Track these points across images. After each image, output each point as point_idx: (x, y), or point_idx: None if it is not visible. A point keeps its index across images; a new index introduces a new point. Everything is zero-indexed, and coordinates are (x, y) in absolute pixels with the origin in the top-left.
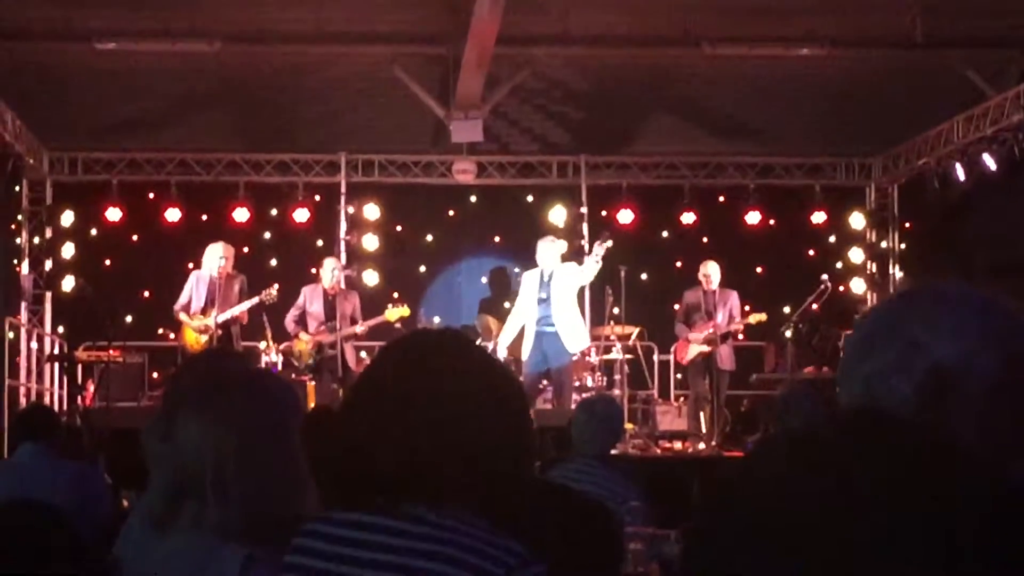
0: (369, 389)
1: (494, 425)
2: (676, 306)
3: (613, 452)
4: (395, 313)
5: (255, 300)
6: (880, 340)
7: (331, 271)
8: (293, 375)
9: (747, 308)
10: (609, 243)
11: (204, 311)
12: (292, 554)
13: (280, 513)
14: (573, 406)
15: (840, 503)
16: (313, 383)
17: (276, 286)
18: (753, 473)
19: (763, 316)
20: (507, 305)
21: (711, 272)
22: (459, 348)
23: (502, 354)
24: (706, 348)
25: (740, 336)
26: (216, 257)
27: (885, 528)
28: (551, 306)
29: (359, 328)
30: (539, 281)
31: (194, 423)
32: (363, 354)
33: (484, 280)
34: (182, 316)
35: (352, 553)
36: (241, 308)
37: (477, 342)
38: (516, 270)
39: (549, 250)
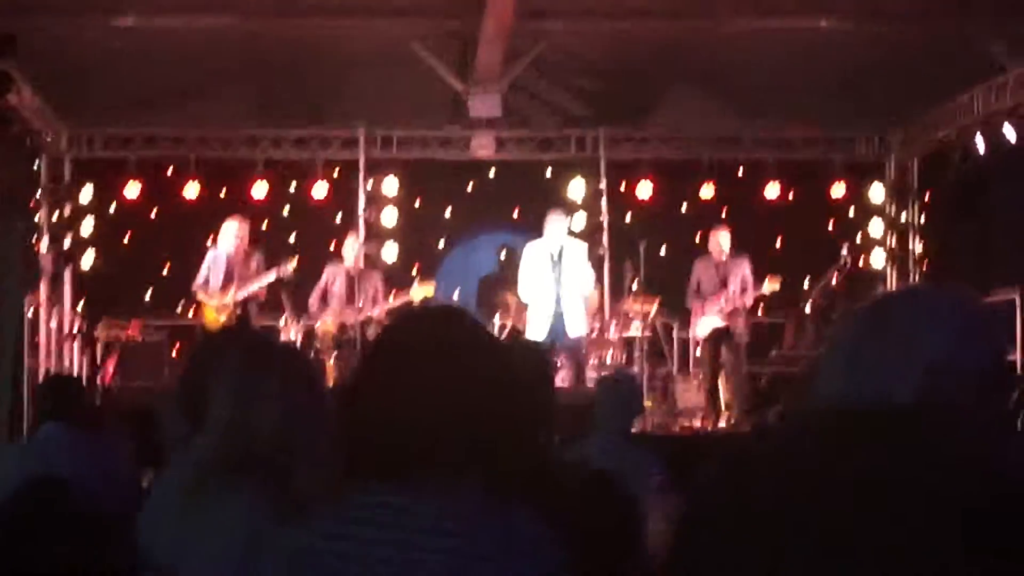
0: (377, 368)
1: (501, 400)
2: None
3: (632, 430)
4: (420, 292)
5: (271, 275)
6: (879, 340)
7: (353, 249)
8: (312, 354)
9: (765, 279)
10: None
11: (223, 289)
12: (309, 536)
13: (315, 483)
14: (590, 384)
15: (835, 493)
16: (333, 363)
17: (293, 261)
18: (752, 461)
19: (777, 283)
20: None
21: (722, 241)
22: (462, 324)
23: (533, 333)
24: (722, 322)
25: (759, 311)
26: (231, 235)
27: (882, 521)
28: (562, 284)
29: (379, 311)
30: (550, 258)
31: (237, 406)
32: None
33: (502, 256)
34: (200, 295)
35: (368, 534)
36: (258, 285)
37: (496, 318)
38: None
39: (558, 225)
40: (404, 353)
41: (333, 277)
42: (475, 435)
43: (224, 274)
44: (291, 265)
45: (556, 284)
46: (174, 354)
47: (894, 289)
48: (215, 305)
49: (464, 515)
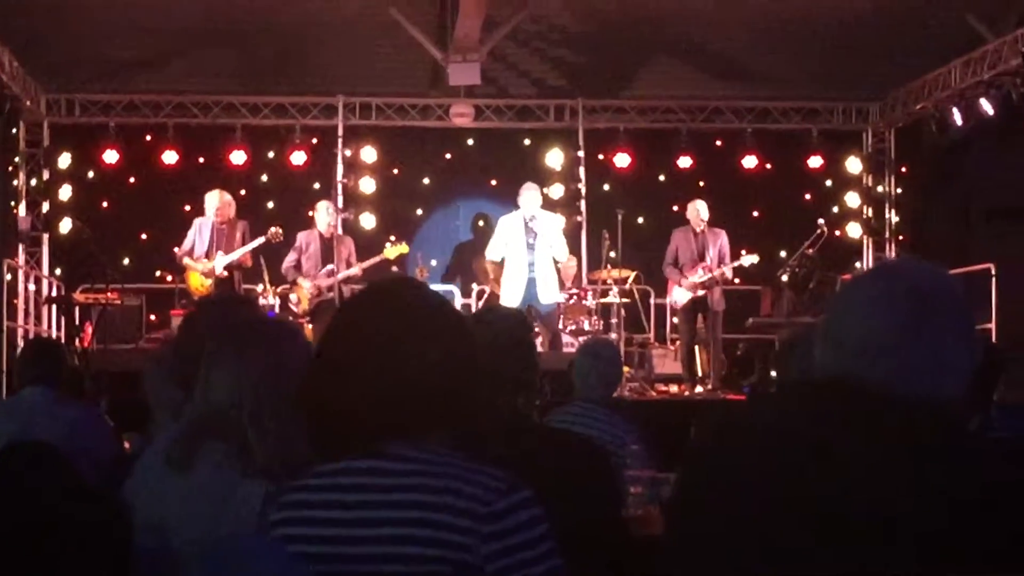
0: (337, 339)
1: (453, 363)
2: None
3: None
4: (394, 251)
5: (260, 240)
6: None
7: (325, 214)
8: (290, 318)
9: (743, 252)
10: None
11: (208, 256)
12: (285, 508)
13: (301, 454)
14: (565, 350)
15: (816, 455)
16: (311, 327)
17: (280, 228)
18: (745, 423)
19: (755, 258)
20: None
21: (700, 211)
22: (414, 294)
23: (507, 299)
24: (700, 292)
25: (736, 280)
26: (213, 206)
27: (861, 482)
28: (536, 252)
29: (356, 269)
30: (524, 226)
31: (227, 370)
32: None
33: (481, 224)
34: (186, 260)
35: (343, 497)
36: (245, 250)
37: (473, 286)
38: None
39: (532, 195)
40: (361, 327)
41: (307, 243)
42: (437, 401)
43: (209, 241)
44: (280, 230)
45: (529, 252)
46: (152, 318)
47: (871, 264)
48: (201, 270)
49: (438, 472)
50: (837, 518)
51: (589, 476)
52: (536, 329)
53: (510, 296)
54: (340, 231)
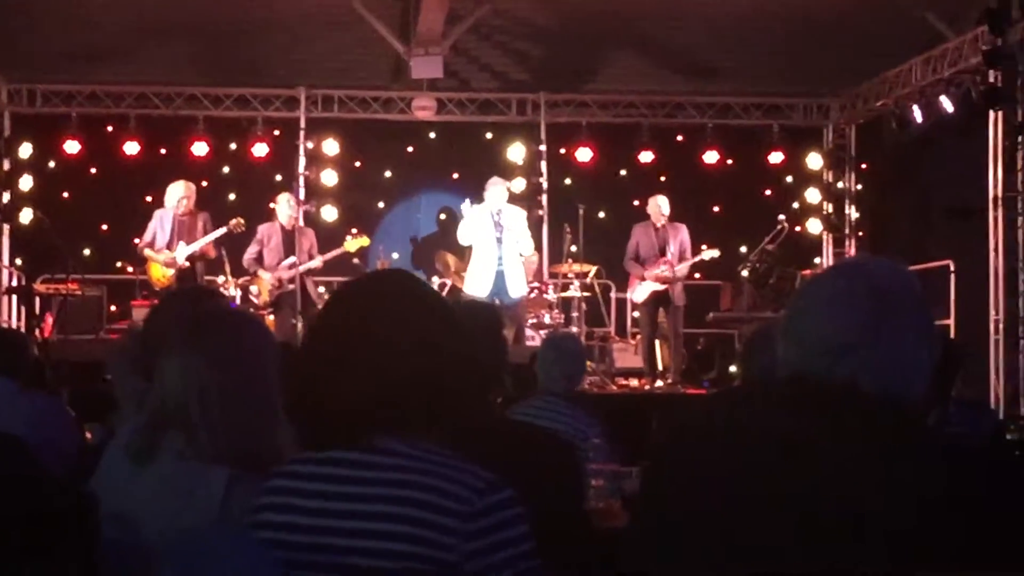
0: (327, 331)
1: (444, 357)
2: None
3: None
4: (355, 244)
5: (222, 230)
6: (844, 321)
7: (286, 206)
8: (251, 310)
9: (704, 247)
10: None
11: (169, 247)
12: (267, 495)
13: (260, 446)
14: (528, 344)
15: (785, 454)
16: (272, 318)
17: (241, 219)
18: (708, 420)
19: (716, 252)
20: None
21: (661, 206)
22: (406, 286)
23: (470, 291)
24: (660, 286)
25: (696, 275)
26: (176, 197)
27: (827, 479)
28: (503, 246)
29: (317, 261)
30: (491, 219)
31: (178, 360)
32: (322, 289)
33: (443, 217)
34: (148, 252)
35: (325, 488)
36: (207, 240)
37: (435, 279)
38: (468, 203)
39: (499, 191)
40: (351, 318)
41: (268, 235)
42: (427, 395)
43: (171, 233)
44: (241, 221)
45: (498, 245)
46: (113, 309)
47: (834, 261)
48: (162, 261)
49: (423, 469)
50: (803, 516)
51: (556, 470)
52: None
53: (477, 289)
54: (302, 223)
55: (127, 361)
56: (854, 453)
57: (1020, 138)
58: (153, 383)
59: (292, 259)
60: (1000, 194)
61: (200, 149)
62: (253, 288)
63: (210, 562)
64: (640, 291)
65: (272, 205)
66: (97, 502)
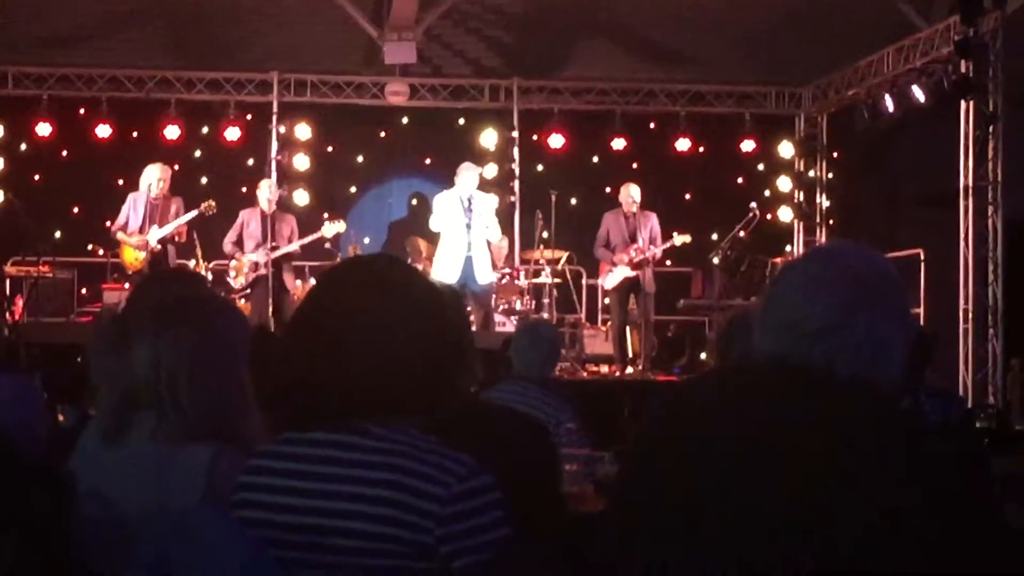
0: (310, 316)
1: (430, 342)
2: None
3: None
4: (331, 229)
5: (193, 213)
6: (820, 305)
7: (267, 192)
8: (224, 293)
9: (675, 233)
10: None
11: (142, 230)
12: (247, 475)
13: (231, 427)
14: (497, 329)
15: (767, 435)
16: (246, 303)
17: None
18: (685, 407)
19: (687, 238)
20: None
21: (632, 194)
22: (394, 271)
23: (439, 276)
24: (631, 273)
25: (667, 262)
26: (154, 179)
27: (801, 463)
28: (472, 232)
29: (294, 246)
30: (461, 206)
31: (149, 341)
32: (299, 282)
33: (414, 202)
34: (120, 235)
35: (305, 468)
36: (179, 222)
37: (408, 263)
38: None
39: (471, 176)
40: (336, 302)
41: (248, 220)
42: (408, 380)
43: (144, 216)
44: (213, 203)
45: (466, 231)
46: (84, 291)
47: (805, 249)
48: (134, 244)
49: (403, 452)
50: (780, 502)
51: (531, 452)
52: (469, 308)
53: (446, 274)
54: (274, 208)
55: (104, 342)
56: (830, 438)
57: (991, 128)
58: (127, 364)
59: (272, 244)
60: (971, 183)
61: (172, 133)
62: (231, 272)
63: (194, 539)
64: (611, 278)
65: (256, 191)
66: (74, 482)
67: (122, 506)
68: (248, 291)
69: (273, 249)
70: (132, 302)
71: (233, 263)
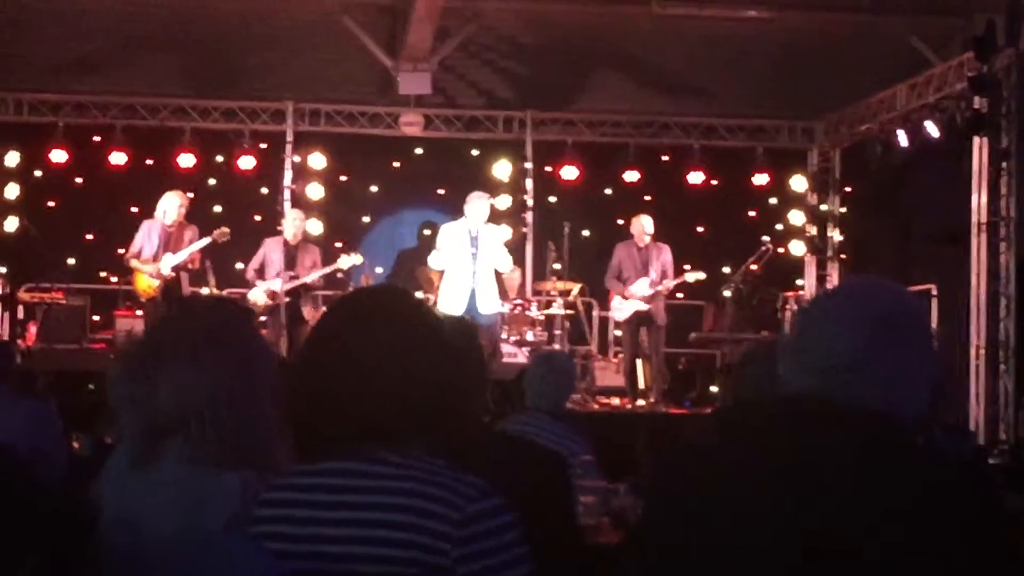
0: (322, 345)
1: (441, 370)
2: None
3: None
4: (348, 261)
5: (206, 240)
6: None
7: (293, 222)
8: None
9: (687, 267)
10: None
11: (155, 258)
12: (264, 507)
13: (261, 456)
14: (507, 360)
15: (786, 475)
16: (264, 331)
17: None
18: (708, 443)
19: (702, 275)
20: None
21: (645, 226)
22: (403, 301)
23: (445, 308)
24: (644, 306)
25: (679, 295)
26: (173, 206)
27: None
28: (478, 262)
29: (311, 276)
30: (468, 236)
31: (184, 368)
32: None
33: (427, 232)
34: (134, 262)
35: (321, 498)
36: (192, 249)
37: (418, 294)
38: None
39: (480, 206)
40: (348, 331)
41: (271, 249)
42: (422, 410)
43: (159, 243)
44: (227, 230)
45: (472, 262)
46: (96, 318)
47: (817, 284)
48: (149, 272)
49: (416, 477)
50: (806, 537)
51: (548, 483)
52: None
53: (452, 305)
54: (300, 238)
55: (128, 368)
56: (856, 472)
57: (1004, 164)
58: (155, 390)
59: (290, 274)
60: (983, 220)
61: (187, 161)
62: (250, 299)
63: (225, 565)
64: (622, 310)
65: (269, 220)
66: (95, 510)
67: (151, 534)
68: (265, 320)
69: (292, 279)
70: (164, 328)
71: (250, 294)
